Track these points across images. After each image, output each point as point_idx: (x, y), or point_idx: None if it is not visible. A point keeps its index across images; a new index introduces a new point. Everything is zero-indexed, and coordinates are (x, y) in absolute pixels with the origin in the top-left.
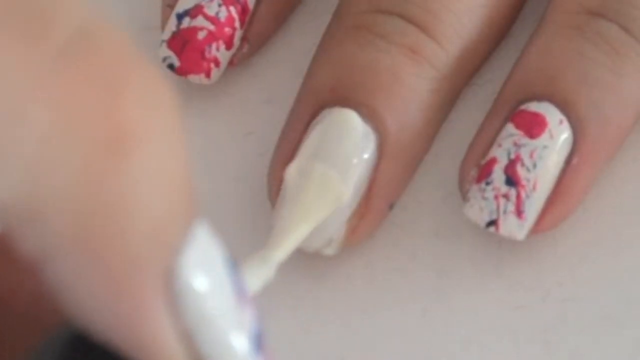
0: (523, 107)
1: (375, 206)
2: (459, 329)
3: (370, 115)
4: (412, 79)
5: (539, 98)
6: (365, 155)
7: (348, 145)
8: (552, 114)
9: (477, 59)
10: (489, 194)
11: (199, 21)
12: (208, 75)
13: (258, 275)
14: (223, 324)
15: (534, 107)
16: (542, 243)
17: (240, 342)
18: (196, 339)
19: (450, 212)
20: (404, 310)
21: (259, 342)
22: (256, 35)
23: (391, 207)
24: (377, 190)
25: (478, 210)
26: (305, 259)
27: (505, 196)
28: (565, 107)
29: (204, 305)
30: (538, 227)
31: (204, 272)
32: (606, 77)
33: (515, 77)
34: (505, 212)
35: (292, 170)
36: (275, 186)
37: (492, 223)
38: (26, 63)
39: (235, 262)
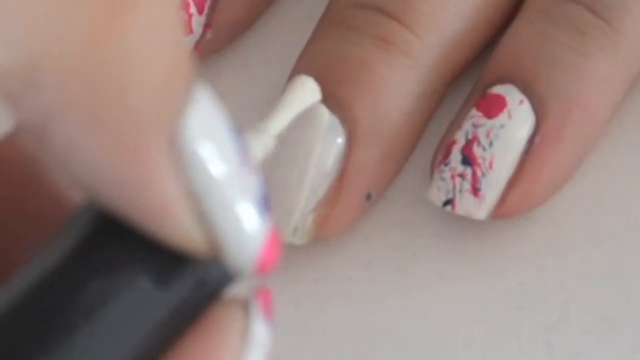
0: (488, 90)
1: (347, 195)
2: (460, 330)
3: (337, 106)
4: (382, 68)
5: (502, 81)
6: (332, 146)
7: (312, 136)
8: (512, 95)
9: (465, 49)
10: (446, 174)
11: None
12: None
13: (258, 144)
14: (228, 188)
15: (497, 89)
16: (544, 245)
17: (245, 206)
18: (202, 203)
19: (452, 212)
20: (405, 311)
21: (264, 205)
22: (222, 22)
23: (369, 198)
24: (348, 179)
25: (435, 190)
26: (305, 260)
27: (461, 175)
28: (525, 88)
29: (209, 168)
30: (502, 207)
31: (208, 134)
32: (569, 57)
33: (487, 64)
34: (461, 190)
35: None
36: None
37: (448, 202)
38: None
39: (237, 127)
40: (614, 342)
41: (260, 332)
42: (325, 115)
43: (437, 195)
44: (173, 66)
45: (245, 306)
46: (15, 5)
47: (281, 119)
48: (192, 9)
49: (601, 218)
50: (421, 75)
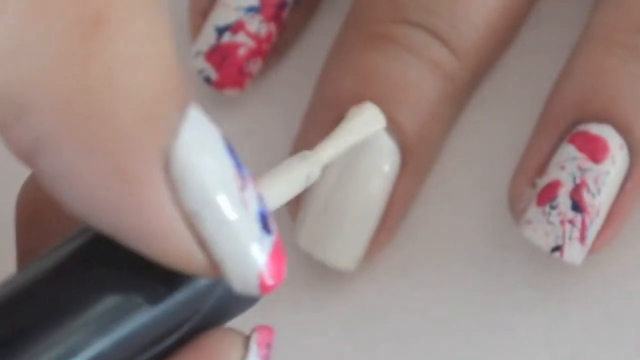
0: (582, 128)
1: (395, 220)
2: (460, 329)
3: (395, 129)
4: (433, 94)
5: (598, 120)
6: (386, 168)
7: (370, 157)
8: (613, 139)
9: (489, 67)
10: (555, 218)
11: (241, 37)
12: (242, 88)
13: (300, 172)
14: (226, 204)
15: (594, 129)
16: None
17: (245, 221)
18: (200, 221)
19: (451, 212)
20: (404, 310)
21: (265, 221)
22: (283, 46)
23: None
24: (399, 205)
25: (543, 234)
26: (305, 260)
27: (572, 222)
28: (624, 131)
29: (206, 185)
30: (591, 250)
31: (203, 151)
32: None
33: (566, 93)
34: (570, 238)
35: None
36: None
37: (557, 249)
38: None
39: (231, 144)
40: (613, 341)
41: None
42: (386, 140)
43: (546, 240)
44: (163, 86)
45: (245, 340)
46: None
47: (335, 148)
48: (274, 39)
49: None
50: (456, 99)
